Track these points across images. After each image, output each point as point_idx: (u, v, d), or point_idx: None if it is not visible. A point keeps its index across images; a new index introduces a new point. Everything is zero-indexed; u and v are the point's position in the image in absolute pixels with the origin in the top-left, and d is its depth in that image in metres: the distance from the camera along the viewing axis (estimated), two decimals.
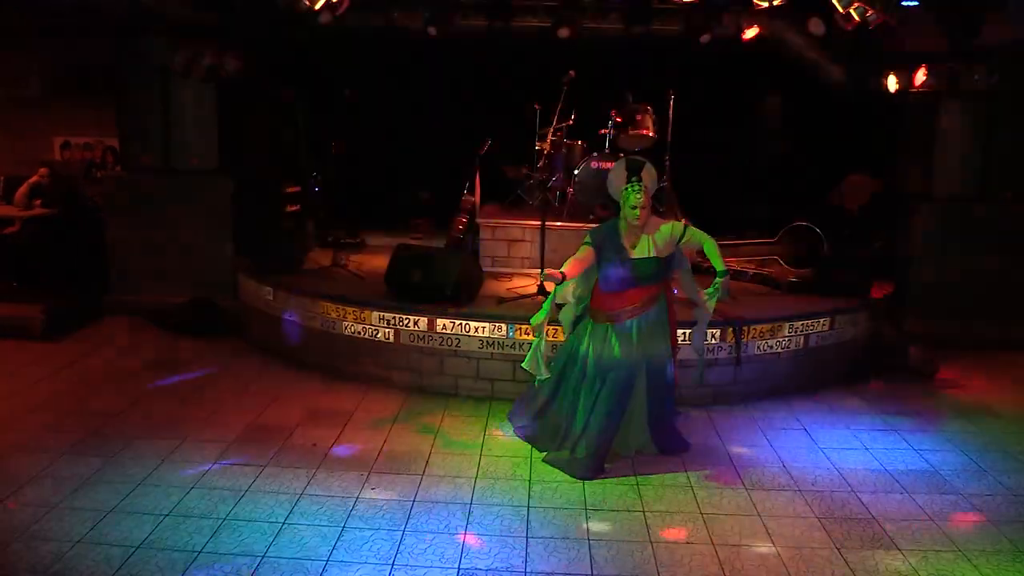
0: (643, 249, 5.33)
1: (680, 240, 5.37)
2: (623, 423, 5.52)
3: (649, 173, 5.38)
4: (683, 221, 5.58)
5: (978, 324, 8.40)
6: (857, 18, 6.76)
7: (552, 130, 8.78)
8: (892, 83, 8.51)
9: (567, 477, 5.32)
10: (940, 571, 4.35)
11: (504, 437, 5.97)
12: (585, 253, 5.38)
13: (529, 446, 5.78)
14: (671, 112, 8.85)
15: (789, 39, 9.12)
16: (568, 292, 5.54)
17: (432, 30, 8.85)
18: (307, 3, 7.41)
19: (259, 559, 4.27)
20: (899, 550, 4.55)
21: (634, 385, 5.46)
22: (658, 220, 5.48)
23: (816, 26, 8.18)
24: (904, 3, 6.95)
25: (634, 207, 5.27)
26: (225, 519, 4.66)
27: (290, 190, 9.11)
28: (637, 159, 5.51)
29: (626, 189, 5.31)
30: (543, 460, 5.59)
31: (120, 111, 8.87)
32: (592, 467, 5.39)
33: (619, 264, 5.32)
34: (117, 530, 4.51)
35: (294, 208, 9.06)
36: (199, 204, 8.72)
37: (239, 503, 4.85)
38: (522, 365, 5.61)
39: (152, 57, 8.32)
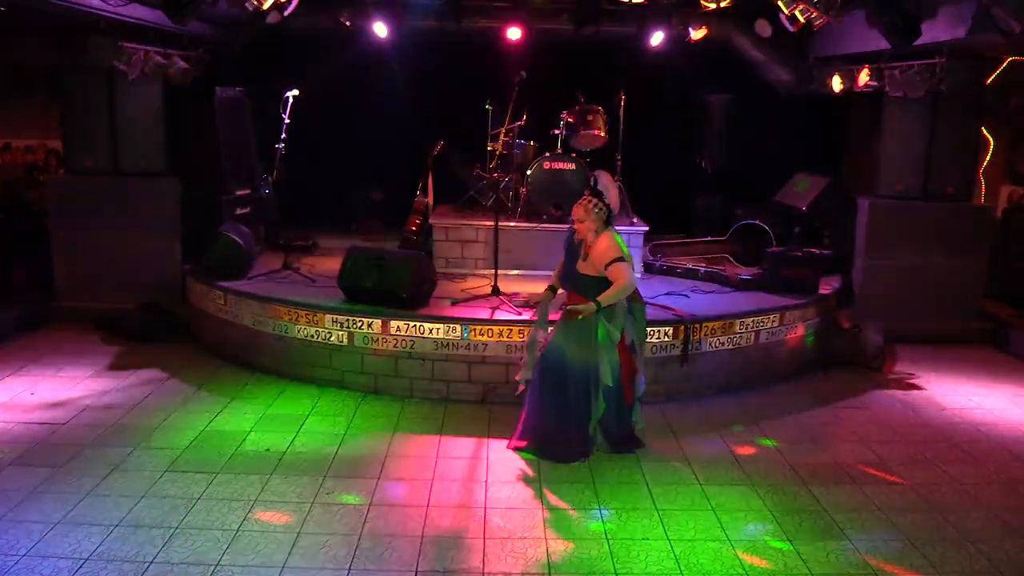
0: (588, 265, 5.39)
1: (604, 267, 5.28)
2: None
3: (595, 194, 5.36)
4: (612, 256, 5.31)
5: (924, 319, 8.61)
6: (802, 20, 6.87)
7: (504, 130, 8.79)
8: (836, 83, 8.69)
9: (523, 477, 5.34)
10: (889, 559, 4.45)
11: (458, 438, 5.97)
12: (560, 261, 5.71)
13: (482, 447, 5.80)
14: (622, 112, 8.94)
15: (736, 40, 9.29)
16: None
17: (383, 30, 8.83)
18: (255, 3, 7.32)
19: (213, 568, 4.21)
20: (849, 540, 4.64)
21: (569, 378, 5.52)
22: (603, 240, 5.31)
23: (762, 28, 8.31)
24: (848, 4, 7.08)
25: (573, 220, 5.43)
26: (177, 528, 4.59)
27: (239, 192, 8.98)
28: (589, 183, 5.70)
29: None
30: (514, 449, 5.71)
31: (64, 113, 8.67)
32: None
33: (566, 269, 5.56)
34: (65, 542, 4.40)
35: (244, 211, 8.93)
36: (146, 207, 8.57)
37: (191, 511, 4.78)
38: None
39: (97, 58, 8.15)
